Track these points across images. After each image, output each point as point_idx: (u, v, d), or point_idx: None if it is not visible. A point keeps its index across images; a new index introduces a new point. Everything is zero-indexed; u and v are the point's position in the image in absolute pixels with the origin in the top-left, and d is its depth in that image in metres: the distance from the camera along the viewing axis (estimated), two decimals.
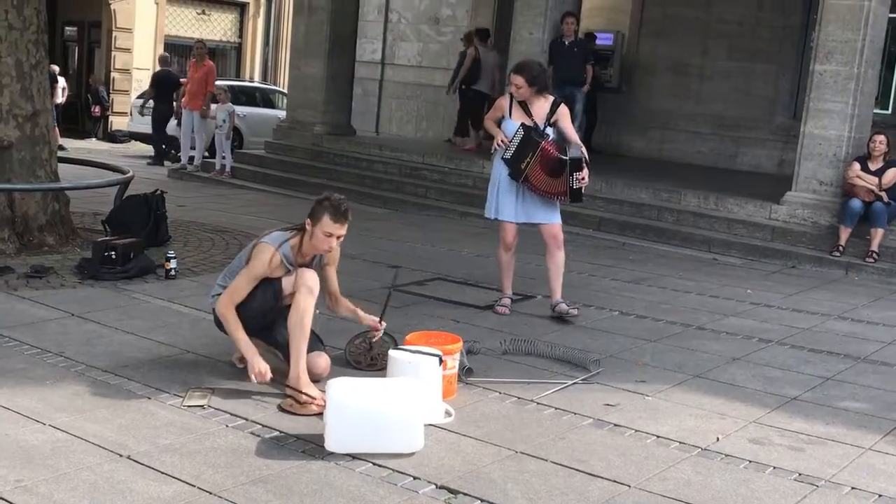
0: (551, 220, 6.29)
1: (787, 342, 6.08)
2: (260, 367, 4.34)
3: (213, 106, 13.65)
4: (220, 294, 4.62)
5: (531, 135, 6.06)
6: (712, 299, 7.28)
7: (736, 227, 9.75)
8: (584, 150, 6.17)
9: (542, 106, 6.22)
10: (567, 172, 6.01)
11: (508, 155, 6.11)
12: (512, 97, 6.27)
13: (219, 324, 4.67)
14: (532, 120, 6.16)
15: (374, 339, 5.00)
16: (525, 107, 6.20)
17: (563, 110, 6.28)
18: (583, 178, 6.08)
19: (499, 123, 6.33)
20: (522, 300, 6.68)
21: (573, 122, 11.47)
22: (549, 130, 6.20)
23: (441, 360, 4.31)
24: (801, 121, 9.77)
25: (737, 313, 6.84)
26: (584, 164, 6.06)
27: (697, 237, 9.67)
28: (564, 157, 6.01)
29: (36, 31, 7.46)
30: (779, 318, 6.76)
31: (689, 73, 14.01)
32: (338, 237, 4.50)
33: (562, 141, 6.19)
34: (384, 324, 4.97)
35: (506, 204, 6.27)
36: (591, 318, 6.41)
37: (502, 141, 6.14)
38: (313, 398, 4.24)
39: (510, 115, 6.24)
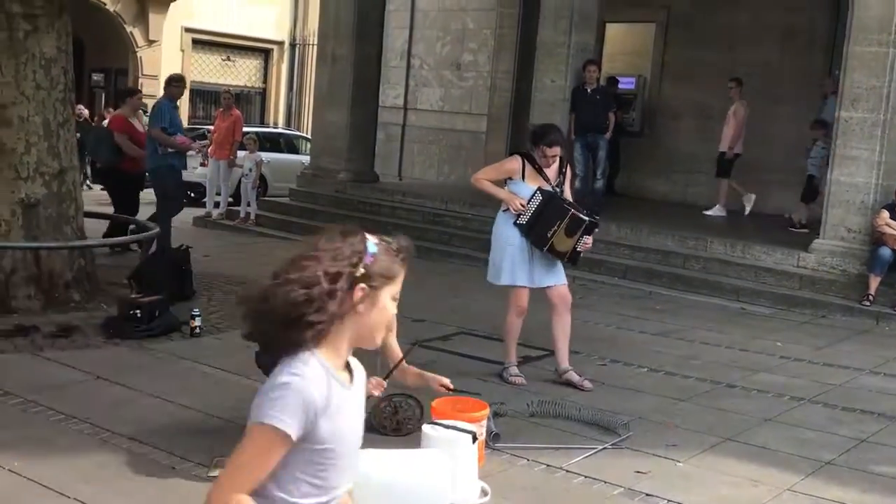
0: (560, 281, 6.10)
1: (820, 400, 5.97)
2: None
3: (241, 154, 13.75)
4: None
5: (557, 202, 5.93)
6: (742, 353, 7.18)
7: (764, 276, 9.65)
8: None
9: (554, 165, 6.07)
10: (580, 234, 5.91)
11: (524, 221, 5.92)
12: (524, 160, 6.07)
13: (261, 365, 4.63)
14: (549, 184, 6.01)
15: (399, 403, 4.95)
16: (540, 169, 6.03)
17: (569, 170, 6.20)
18: (587, 244, 5.99)
19: (498, 184, 6.16)
20: (547, 356, 6.59)
21: (597, 168, 11.66)
22: (560, 189, 6.08)
23: (475, 439, 4.23)
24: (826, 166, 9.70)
25: (767, 368, 6.74)
26: (596, 228, 6.02)
27: (725, 286, 9.57)
28: (585, 218, 5.91)
29: (63, 89, 7.55)
30: (809, 374, 6.65)
31: (712, 117, 13.93)
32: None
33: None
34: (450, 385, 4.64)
35: (520, 269, 6.03)
36: (620, 376, 6.33)
37: (521, 205, 5.94)
38: None
39: (523, 177, 6.02)
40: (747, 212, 12.58)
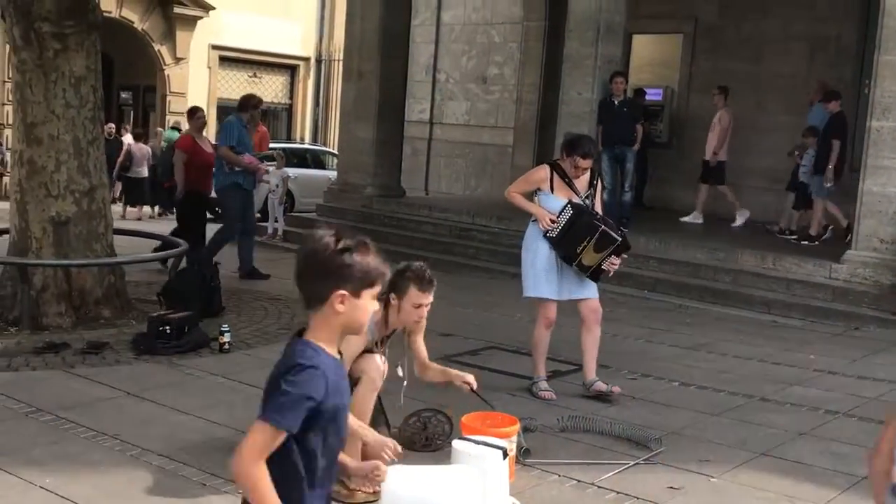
0: (592, 294, 6.04)
1: (855, 413, 5.87)
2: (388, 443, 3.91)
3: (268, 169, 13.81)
4: None
5: (587, 218, 5.84)
6: (774, 367, 7.08)
7: (795, 288, 9.53)
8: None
9: (584, 177, 6.03)
10: (608, 252, 5.84)
11: (554, 234, 5.85)
12: (553, 169, 6.01)
13: None
14: (578, 195, 5.94)
15: (429, 419, 4.93)
16: (570, 181, 5.99)
17: (599, 183, 6.16)
18: (614, 264, 5.90)
19: (528, 196, 6.11)
20: (577, 371, 6.54)
21: (624, 181, 11.61)
22: (590, 201, 6.04)
23: (506, 454, 4.18)
24: (857, 176, 9.59)
25: (801, 382, 6.64)
26: (626, 252, 5.97)
27: (756, 298, 9.46)
28: (618, 238, 5.85)
29: (92, 108, 7.62)
30: (844, 387, 6.55)
31: (742, 127, 13.83)
32: (426, 306, 4.42)
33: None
34: (474, 383, 4.66)
35: (549, 281, 5.96)
36: (651, 390, 6.26)
37: (552, 220, 5.86)
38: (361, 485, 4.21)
39: (552, 189, 5.97)
40: (736, 224, 12.57)
